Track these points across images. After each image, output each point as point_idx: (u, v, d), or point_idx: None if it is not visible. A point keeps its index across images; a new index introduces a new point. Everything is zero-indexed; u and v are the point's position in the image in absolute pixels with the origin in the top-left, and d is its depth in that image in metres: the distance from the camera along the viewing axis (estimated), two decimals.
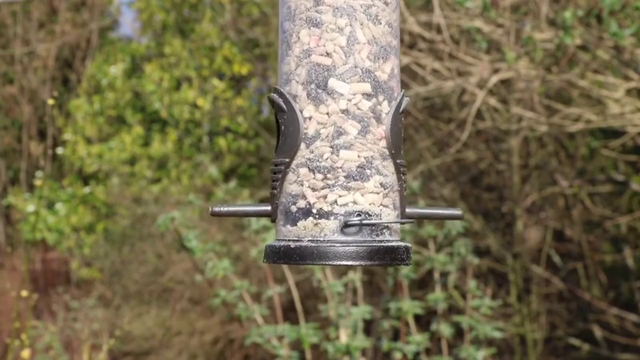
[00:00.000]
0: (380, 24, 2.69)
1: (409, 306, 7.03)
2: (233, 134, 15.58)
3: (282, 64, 2.70)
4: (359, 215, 2.61)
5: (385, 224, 2.67)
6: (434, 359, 7.11)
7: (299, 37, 2.65)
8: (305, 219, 2.62)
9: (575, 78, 7.75)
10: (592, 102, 8.49)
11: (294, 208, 2.64)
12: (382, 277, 9.91)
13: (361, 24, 2.66)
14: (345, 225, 2.59)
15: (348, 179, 2.62)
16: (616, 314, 10.06)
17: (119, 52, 16.62)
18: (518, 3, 7.83)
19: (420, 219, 2.78)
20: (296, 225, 2.63)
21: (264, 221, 6.93)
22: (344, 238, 2.61)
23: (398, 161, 2.68)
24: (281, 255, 2.62)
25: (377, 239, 2.64)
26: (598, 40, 7.33)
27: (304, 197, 2.63)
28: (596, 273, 10.60)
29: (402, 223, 2.70)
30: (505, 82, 8.96)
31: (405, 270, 7.03)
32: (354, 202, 2.62)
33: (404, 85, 9.54)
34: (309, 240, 2.61)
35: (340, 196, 2.62)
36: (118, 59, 16.38)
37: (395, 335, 7.64)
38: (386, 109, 2.68)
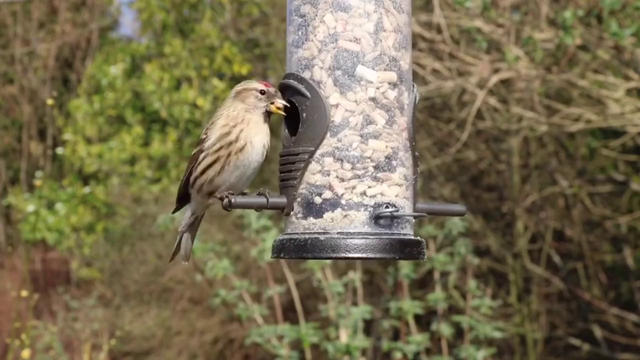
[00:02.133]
0: (404, 12, 2.64)
1: (409, 306, 7.03)
2: None
3: (299, 49, 2.60)
4: (387, 206, 2.54)
5: (413, 217, 2.60)
6: (434, 359, 7.11)
7: (323, 21, 2.56)
8: (333, 211, 2.53)
9: (576, 78, 7.75)
10: (592, 102, 8.49)
11: (318, 199, 2.55)
12: (382, 277, 9.90)
13: (387, 11, 2.59)
14: (378, 217, 2.52)
15: (377, 170, 2.55)
16: (616, 314, 10.05)
17: (119, 52, 16.61)
18: (518, 3, 7.83)
19: (429, 214, 2.71)
20: (322, 217, 2.54)
21: (264, 221, 6.93)
22: (375, 230, 2.53)
23: (416, 154, 2.64)
24: (308, 248, 2.52)
25: (402, 232, 2.58)
26: (598, 40, 7.33)
27: (330, 187, 2.54)
28: (596, 273, 10.60)
29: (422, 217, 2.64)
30: (505, 82, 8.95)
31: (405, 270, 7.03)
32: (382, 194, 2.55)
33: None
34: (338, 233, 2.52)
35: (369, 187, 2.54)
36: (118, 59, 16.37)
37: (396, 335, 7.64)
38: (407, 100, 2.63)
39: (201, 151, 2.74)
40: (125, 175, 15.44)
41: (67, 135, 16.30)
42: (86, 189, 15.86)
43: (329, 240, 2.51)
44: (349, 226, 2.53)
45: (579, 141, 10.21)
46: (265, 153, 2.71)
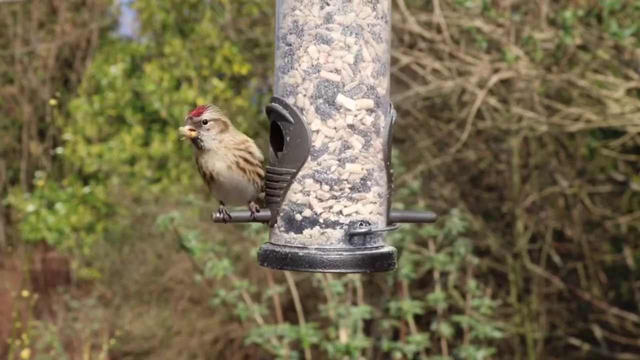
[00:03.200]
0: (382, 42, 2.80)
1: (409, 306, 7.03)
2: None
3: (285, 75, 2.79)
4: (362, 224, 2.77)
5: (383, 231, 2.84)
6: (434, 359, 7.11)
7: (307, 52, 2.75)
8: (312, 228, 2.76)
9: (575, 78, 7.75)
10: (592, 102, 8.49)
11: (298, 216, 2.77)
12: (382, 277, 9.90)
13: (367, 43, 2.77)
14: (352, 235, 2.75)
15: (353, 191, 2.77)
16: (616, 314, 10.05)
17: (119, 52, 16.62)
18: (518, 3, 7.83)
19: (401, 222, 2.94)
20: (301, 233, 2.77)
21: None
22: (350, 246, 2.76)
23: (390, 171, 2.85)
24: (288, 261, 2.76)
25: (375, 245, 2.82)
26: (598, 40, 7.33)
27: (310, 206, 2.77)
28: (596, 273, 10.60)
29: (394, 229, 2.89)
30: (505, 82, 8.95)
31: (405, 270, 7.04)
32: (357, 212, 2.77)
33: (405, 85, 9.54)
34: (316, 249, 2.76)
35: (345, 206, 2.77)
36: (118, 59, 16.38)
37: (395, 335, 7.64)
38: (383, 123, 2.83)
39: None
40: (125, 175, 15.44)
41: (67, 135, 16.30)
42: (86, 189, 15.86)
43: (307, 255, 2.75)
44: (326, 243, 2.77)
45: (579, 141, 10.21)
46: (240, 171, 2.88)
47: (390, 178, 2.84)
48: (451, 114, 10.08)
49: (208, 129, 2.86)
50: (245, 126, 15.42)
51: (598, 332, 10.22)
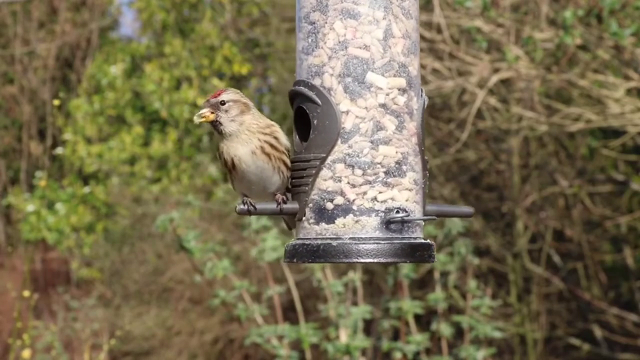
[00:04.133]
0: (412, 18, 2.65)
1: (409, 306, 7.03)
2: None
3: (309, 56, 2.62)
4: (398, 211, 2.58)
5: (422, 220, 2.64)
6: (434, 359, 7.11)
7: (332, 28, 2.58)
8: (345, 217, 2.57)
9: (575, 78, 7.75)
10: (592, 101, 8.49)
11: (330, 205, 2.58)
12: (382, 277, 9.90)
13: (396, 17, 2.61)
14: (389, 222, 2.56)
15: (388, 175, 2.59)
16: (616, 314, 10.05)
17: (119, 52, 16.61)
18: (518, 3, 7.83)
19: (438, 216, 2.75)
20: (334, 222, 2.58)
21: (265, 221, 6.93)
22: (386, 235, 2.58)
23: (425, 157, 2.67)
24: (321, 253, 2.56)
25: (413, 235, 2.63)
26: (598, 40, 7.33)
27: (342, 193, 2.58)
28: (596, 273, 10.59)
29: (433, 219, 2.70)
30: (505, 82, 8.95)
31: (405, 270, 7.03)
32: (392, 199, 2.59)
33: None
34: (350, 238, 2.57)
35: (380, 192, 2.58)
36: (118, 59, 16.37)
37: (395, 335, 7.64)
38: (416, 105, 2.65)
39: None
40: (125, 175, 15.44)
41: (67, 135, 16.30)
42: (86, 189, 15.86)
43: (342, 245, 2.56)
44: (361, 231, 2.57)
45: (579, 141, 10.21)
46: (265, 157, 2.68)
47: (425, 165, 2.65)
48: (451, 114, 10.08)
49: (226, 110, 2.66)
50: None
51: (598, 332, 10.22)
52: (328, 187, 2.59)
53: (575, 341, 10.36)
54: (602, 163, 10.47)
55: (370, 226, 2.58)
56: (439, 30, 7.86)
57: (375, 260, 2.55)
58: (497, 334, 7.00)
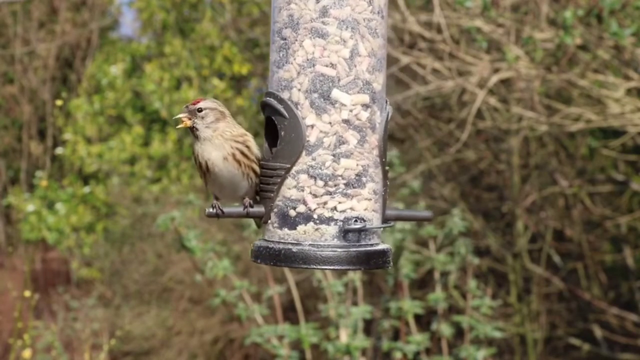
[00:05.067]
0: (378, 37, 2.78)
1: (409, 306, 7.03)
2: None
3: (279, 70, 2.77)
4: (356, 221, 2.74)
5: (378, 228, 2.81)
6: (434, 359, 7.11)
7: (302, 46, 2.73)
8: (306, 224, 2.73)
9: (576, 78, 7.75)
10: (592, 101, 8.49)
11: (292, 212, 2.74)
12: (382, 277, 9.90)
13: (363, 37, 2.75)
14: (347, 231, 2.72)
15: (347, 187, 2.75)
16: (616, 313, 10.05)
17: (119, 52, 16.62)
18: (518, 3, 7.83)
19: (397, 220, 2.90)
20: (295, 229, 2.74)
21: None
22: (344, 243, 2.73)
23: (386, 168, 2.83)
24: (282, 258, 2.72)
25: (370, 242, 2.79)
26: (598, 40, 7.33)
27: (304, 202, 2.74)
28: (596, 273, 10.60)
29: (389, 227, 2.87)
30: (505, 82, 8.95)
31: (405, 270, 7.04)
32: (352, 209, 2.75)
33: (404, 85, 9.54)
34: (310, 245, 2.73)
35: (340, 202, 2.74)
36: (118, 59, 16.38)
37: (396, 335, 7.64)
38: (379, 119, 2.81)
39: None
40: (125, 175, 15.44)
41: (67, 135, 16.30)
42: (86, 189, 15.86)
43: (301, 251, 2.72)
44: (320, 239, 2.74)
45: (579, 141, 10.21)
46: (236, 163, 2.85)
47: (385, 175, 2.81)
48: (451, 114, 10.08)
49: (202, 117, 2.85)
50: (245, 126, 15.42)
51: (598, 332, 10.22)
52: (292, 195, 2.75)
53: (575, 341, 10.37)
54: (602, 163, 10.47)
55: (329, 234, 2.73)
56: (439, 30, 7.86)
57: (332, 268, 2.72)
58: (497, 334, 7.01)
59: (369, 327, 8.55)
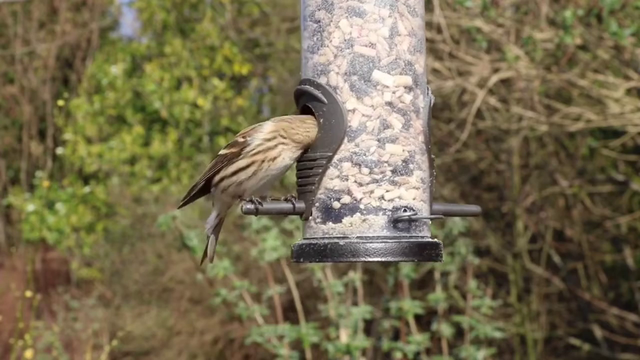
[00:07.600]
0: (417, 16, 2.65)
1: (410, 306, 7.03)
2: (233, 133, 15.57)
3: (314, 55, 2.61)
4: (405, 210, 2.57)
5: (429, 219, 2.65)
6: (434, 359, 7.11)
7: (338, 27, 2.58)
8: (352, 215, 2.55)
9: (575, 78, 7.76)
10: (592, 101, 8.49)
11: (337, 204, 2.56)
12: (382, 277, 9.91)
13: (402, 15, 2.60)
14: (396, 221, 2.55)
15: (394, 174, 2.58)
16: (616, 314, 10.06)
17: (119, 52, 16.62)
18: (518, 3, 7.83)
19: (445, 215, 2.76)
20: (341, 222, 2.56)
21: (265, 221, 6.94)
22: (394, 234, 2.56)
23: (432, 156, 2.68)
24: (328, 253, 2.54)
25: (420, 234, 2.63)
26: (598, 40, 7.34)
27: (349, 192, 2.56)
28: (596, 273, 10.60)
29: (440, 218, 2.70)
30: (505, 82, 8.96)
31: (405, 270, 7.04)
32: (400, 197, 2.58)
33: None
34: (357, 237, 2.55)
35: (387, 191, 2.57)
36: (118, 59, 16.38)
37: (396, 335, 7.64)
38: (422, 103, 2.68)
39: (238, 153, 2.71)
40: (125, 175, 15.45)
41: (67, 135, 16.30)
42: (86, 189, 15.86)
43: (349, 244, 2.54)
44: (368, 230, 2.56)
45: (579, 141, 10.21)
46: (292, 165, 2.70)
47: (432, 164, 2.66)
48: (451, 114, 10.08)
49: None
50: (245, 126, 15.43)
51: (598, 332, 10.22)
52: (335, 186, 2.58)
53: (575, 341, 10.37)
54: (602, 163, 10.47)
55: (377, 225, 2.56)
56: (439, 30, 7.86)
57: (384, 259, 2.54)
58: (498, 334, 7.01)
59: (369, 327, 8.56)
